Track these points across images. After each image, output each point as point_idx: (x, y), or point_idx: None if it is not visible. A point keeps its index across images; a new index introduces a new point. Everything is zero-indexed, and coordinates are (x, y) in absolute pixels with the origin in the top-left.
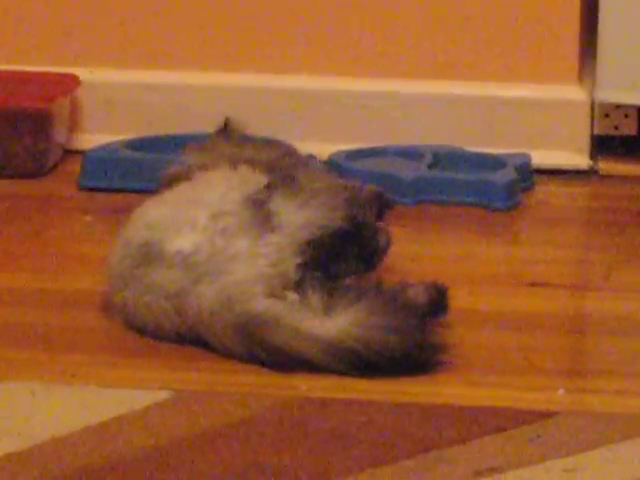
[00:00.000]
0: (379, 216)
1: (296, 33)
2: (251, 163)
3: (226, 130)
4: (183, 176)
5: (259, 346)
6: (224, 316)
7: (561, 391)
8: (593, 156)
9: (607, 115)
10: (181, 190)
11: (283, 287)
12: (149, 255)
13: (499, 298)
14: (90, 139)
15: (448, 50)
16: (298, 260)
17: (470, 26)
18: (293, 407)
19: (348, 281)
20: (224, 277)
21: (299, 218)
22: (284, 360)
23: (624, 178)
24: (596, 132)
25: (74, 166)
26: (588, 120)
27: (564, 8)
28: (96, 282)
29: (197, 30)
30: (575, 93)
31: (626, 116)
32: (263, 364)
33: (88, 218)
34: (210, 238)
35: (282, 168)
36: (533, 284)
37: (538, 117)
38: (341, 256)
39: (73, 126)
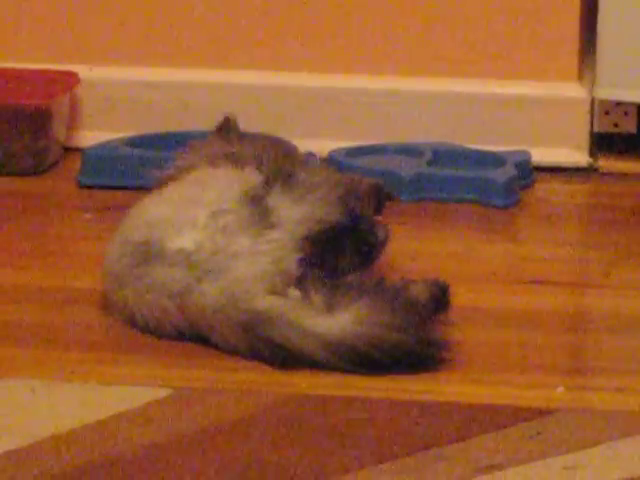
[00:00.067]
0: (378, 209)
1: (296, 30)
2: (248, 160)
3: (225, 128)
4: (177, 178)
5: (263, 343)
6: (228, 314)
7: (561, 388)
8: (593, 154)
9: (607, 113)
10: (179, 188)
11: (284, 283)
12: (149, 254)
13: (499, 296)
14: (90, 137)
15: (448, 47)
16: (298, 256)
17: (470, 23)
18: (293, 405)
19: (350, 278)
20: (227, 275)
21: (296, 213)
22: (287, 357)
23: (624, 175)
24: (596, 130)
25: (74, 164)
26: (588, 117)
27: (564, 5)
28: (96, 280)
29: (196, 27)
30: (575, 90)
31: (626, 114)
32: (266, 361)
33: (88, 216)
34: (211, 236)
35: (279, 164)
36: (533, 282)
37: (538, 114)
38: (339, 250)
39: (73, 124)
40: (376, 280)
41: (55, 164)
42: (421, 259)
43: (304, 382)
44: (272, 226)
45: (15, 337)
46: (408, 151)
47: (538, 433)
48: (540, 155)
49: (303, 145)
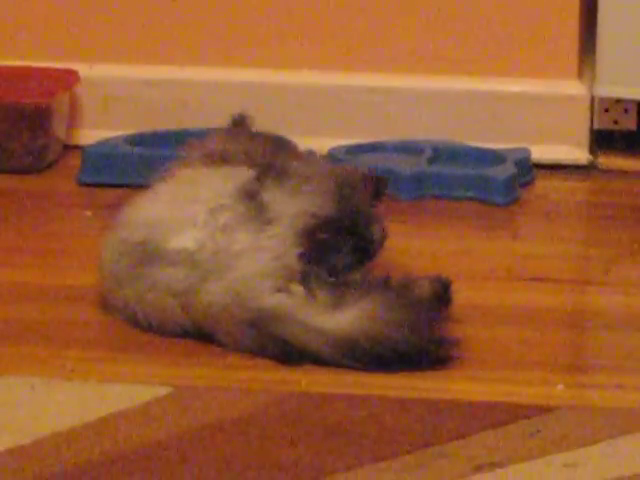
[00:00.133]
0: (375, 199)
1: (296, 28)
2: (239, 157)
3: (239, 125)
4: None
5: (270, 340)
6: (234, 312)
7: (561, 386)
8: (593, 151)
9: (607, 110)
10: (172, 187)
11: (287, 279)
12: (148, 253)
13: (499, 293)
14: (90, 134)
15: (448, 45)
16: (298, 250)
17: (470, 21)
18: (293, 402)
19: (355, 276)
20: (231, 273)
21: (292, 207)
22: (294, 354)
23: (624, 173)
24: (596, 127)
25: (74, 161)
26: (588, 115)
27: (564, 3)
28: (96, 277)
29: (196, 25)
30: (575, 88)
31: (626, 111)
32: (272, 358)
33: (88, 213)
34: (211, 234)
35: (270, 159)
36: (533, 279)
37: (538, 112)
38: (337, 243)
39: (72, 121)
40: (382, 278)
41: (55, 162)
42: (421, 257)
43: (304, 380)
44: (270, 221)
45: (15, 335)
46: (408, 149)
47: (538, 431)
48: (540, 152)
49: (303, 143)
